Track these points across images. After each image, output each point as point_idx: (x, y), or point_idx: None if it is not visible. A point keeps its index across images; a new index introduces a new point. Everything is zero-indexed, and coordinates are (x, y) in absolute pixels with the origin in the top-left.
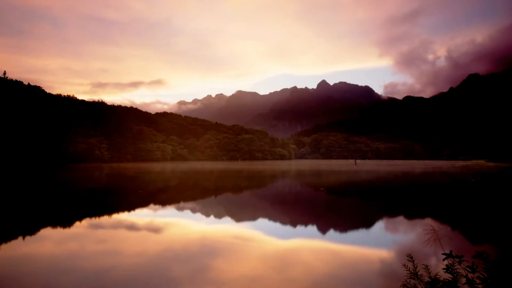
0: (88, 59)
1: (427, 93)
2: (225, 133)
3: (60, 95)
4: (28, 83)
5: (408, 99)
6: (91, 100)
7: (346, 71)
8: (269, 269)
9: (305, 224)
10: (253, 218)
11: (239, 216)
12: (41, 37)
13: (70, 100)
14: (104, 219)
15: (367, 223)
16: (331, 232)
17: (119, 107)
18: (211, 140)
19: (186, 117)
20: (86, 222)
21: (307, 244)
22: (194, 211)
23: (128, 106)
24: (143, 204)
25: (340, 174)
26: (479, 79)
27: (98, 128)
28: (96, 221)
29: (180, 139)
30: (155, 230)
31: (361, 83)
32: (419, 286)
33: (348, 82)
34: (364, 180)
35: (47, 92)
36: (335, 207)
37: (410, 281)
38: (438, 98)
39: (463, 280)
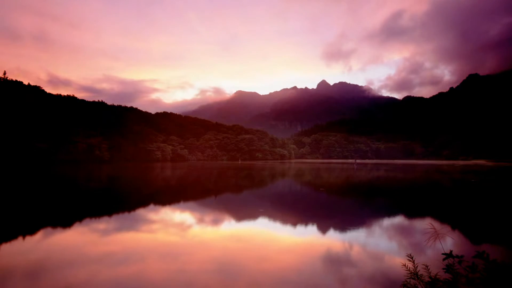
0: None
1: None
2: (225, 133)
3: (60, 95)
4: (28, 83)
5: (408, 99)
6: (93, 100)
7: (346, 71)
8: None
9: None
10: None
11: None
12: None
13: (70, 100)
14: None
15: (368, 223)
16: (331, 231)
17: (119, 107)
18: (211, 140)
19: (186, 117)
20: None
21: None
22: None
23: (128, 106)
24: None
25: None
26: (479, 79)
27: (98, 128)
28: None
29: (180, 139)
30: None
31: (362, 83)
32: (419, 286)
33: (348, 82)
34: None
35: (47, 92)
36: (345, 209)
37: (410, 281)
38: (438, 98)
39: (463, 280)
